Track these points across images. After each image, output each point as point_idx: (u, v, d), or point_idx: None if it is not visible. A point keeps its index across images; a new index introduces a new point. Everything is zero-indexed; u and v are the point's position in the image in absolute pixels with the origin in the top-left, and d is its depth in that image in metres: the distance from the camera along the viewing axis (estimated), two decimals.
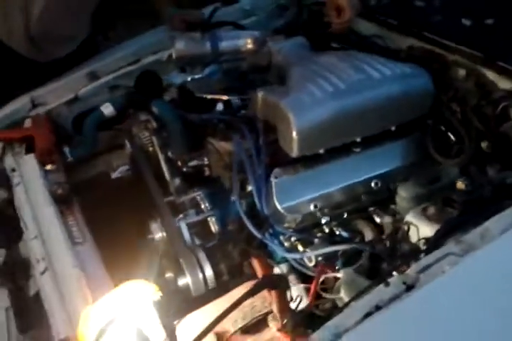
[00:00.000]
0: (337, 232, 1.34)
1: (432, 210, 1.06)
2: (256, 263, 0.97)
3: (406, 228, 1.09)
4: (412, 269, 0.90)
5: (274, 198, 1.29)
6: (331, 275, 1.03)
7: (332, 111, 1.28)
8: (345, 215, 1.36)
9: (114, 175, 1.83)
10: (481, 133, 1.32)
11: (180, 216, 1.45)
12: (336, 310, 0.91)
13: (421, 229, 1.06)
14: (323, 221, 1.33)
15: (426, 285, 0.87)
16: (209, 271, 1.28)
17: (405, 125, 1.40)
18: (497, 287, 0.87)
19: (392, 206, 1.32)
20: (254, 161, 1.35)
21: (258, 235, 1.25)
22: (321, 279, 1.02)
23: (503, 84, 1.35)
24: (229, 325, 0.97)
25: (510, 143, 1.24)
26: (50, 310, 1.09)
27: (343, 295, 0.96)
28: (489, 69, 1.38)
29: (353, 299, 0.89)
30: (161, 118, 1.55)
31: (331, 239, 1.32)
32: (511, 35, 1.47)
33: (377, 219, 1.34)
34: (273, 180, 1.30)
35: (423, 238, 1.04)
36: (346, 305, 0.87)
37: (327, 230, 1.35)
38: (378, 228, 1.32)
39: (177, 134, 1.51)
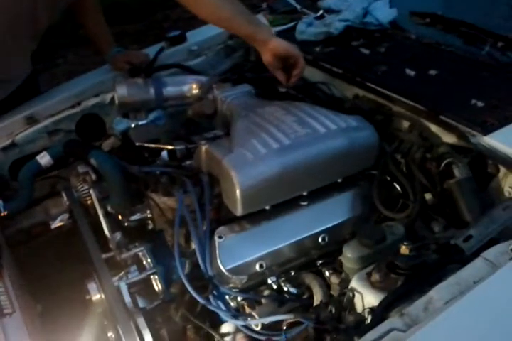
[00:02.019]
0: (285, 288, 1.31)
1: (376, 277, 1.03)
2: None
3: (351, 295, 1.05)
4: None
5: (218, 260, 1.24)
6: None
7: (276, 168, 1.25)
8: (293, 271, 1.33)
9: (54, 224, 1.74)
10: (426, 187, 1.31)
11: (121, 274, 1.38)
12: None
13: (365, 297, 1.03)
14: (270, 281, 1.29)
15: None
16: (148, 339, 1.22)
17: (352, 176, 1.39)
18: None
19: (340, 258, 1.29)
20: (198, 218, 1.30)
21: (201, 300, 1.19)
22: None
23: (446, 138, 1.36)
24: None
25: (453, 200, 1.23)
26: None
27: None
28: (432, 122, 1.38)
29: None
30: (100, 171, 1.48)
31: (279, 297, 1.29)
32: (452, 88, 1.48)
33: (326, 273, 1.32)
34: (217, 240, 1.26)
35: (368, 307, 1.01)
36: None
37: (275, 286, 1.31)
38: (326, 281, 1.30)
39: (116, 188, 1.44)
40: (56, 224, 1.73)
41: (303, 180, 1.31)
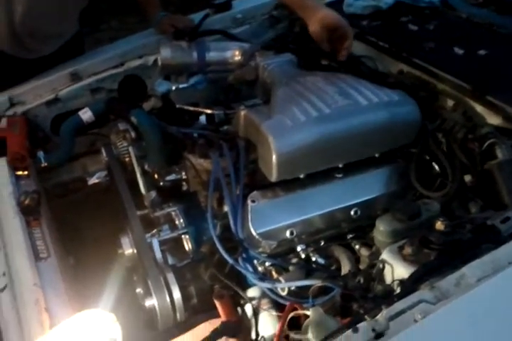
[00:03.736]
0: (313, 258, 1.32)
1: (408, 250, 1.03)
2: (219, 305, 0.93)
3: (381, 266, 1.05)
4: (383, 315, 0.87)
5: (250, 223, 1.25)
6: (299, 312, 0.99)
7: (314, 137, 1.24)
8: (323, 242, 1.33)
9: (91, 180, 1.78)
10: (466, 167, 1.29)
11: (154, 231, 1.41)
12: None
13: (396, 269, 1.03)
14: (299, 248, 1.30)
15: (395, 334, 0.84)
16: (177, 294, 1.25)
17: (390, 152, 1.38)
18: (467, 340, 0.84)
19: (371, 233, 1.29)
20: (232, 181, 1.31)
21: (230, 261, 1.21)
22: (288, 317, 0.99)
23: (490, 119, 1.33)
24: None
25: (493, 182, 1.21)
26: (5, 332, 1.04)
27: (310, 337, 0.92)
28: (477, 102, 1.35)
29: None
30: (140, 129, 1.50)
31: (307, 265, 1.30)
32: (502, 69, 1.44)
33: (356, 246, 1.32)
34: (250, 204, 1.27)
35: (397, 279, 1.01)
36: None
37: (303, 255, 1.32)
38: (356, 255, 1.30)
39: (154, 147, 1.46)
40: (93, 180, 1.77)
41: (340, 152, 1.30)
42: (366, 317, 0.89)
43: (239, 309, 1.24)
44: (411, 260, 1.03)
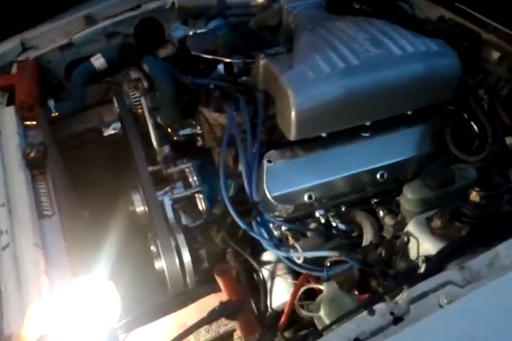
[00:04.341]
0: (333, 224, 1.23)
1: (437, 222, 0.93)
2: (220, 282, 0.85)
3: (405, 239, 0.96)
4: (404, 297, 0.78)
5: (265, 185, 1.16)
6: (312, 286, 0.91)
7: (340, 91, 1.12)
8: (344, 207, 1.24)
9: (107, 132, 1.70)
10: (508, 128, 1.16)
11: (167, 189, 1.34)
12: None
13: (422, 243, 0.94)
14: (317, 214, 1.21)
15: (416, 319, 0.75)
16: (187, 257, 1.19)
17: (423, 110, 1.25)
18: (499, 331, 0.75)
19: (398, 198, 1.19)
20: (248, 138, 1.21)
21: (242, 225, 1.13)
22: (299, 292, 0.91)
23: None
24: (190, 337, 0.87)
25: None
26: (5, 293, 1.01)
27: (323, 315, 0.85)
28: None
29: (331, 325, 0.79)
30: (152, 78, 1.40)
31: (326, 231, 1.21)
32: None
33: (380, 213, 1.22)
34: (265, 164, 1.17)
35: (423, 255, 0.91)
36: (320, 335, 0.76)
37: (323, 220, 1.24)
38: (379, 221, 1.21)
39: (166, 98, 1.37)
40: (109, 131, 1.69)
41: (368, 108, 1.19)
42: (385, 297, 0.80)
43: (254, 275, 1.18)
44: (439, 234, 0.93)
